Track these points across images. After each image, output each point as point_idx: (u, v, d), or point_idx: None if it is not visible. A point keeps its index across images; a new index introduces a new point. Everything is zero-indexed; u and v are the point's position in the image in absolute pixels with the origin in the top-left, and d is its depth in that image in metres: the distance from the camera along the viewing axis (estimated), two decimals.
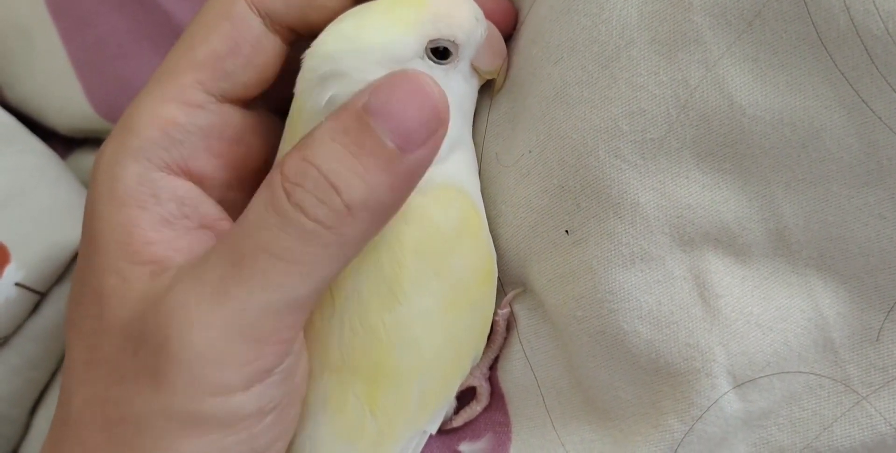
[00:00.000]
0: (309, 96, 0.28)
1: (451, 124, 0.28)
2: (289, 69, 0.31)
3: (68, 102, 0.47)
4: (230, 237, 0.26)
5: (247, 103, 0.31)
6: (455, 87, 0.30)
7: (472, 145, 0.32)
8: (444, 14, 0.29)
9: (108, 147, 0.29)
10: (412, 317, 0.28)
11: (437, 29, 0.29)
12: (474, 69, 0.31)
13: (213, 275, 0.26)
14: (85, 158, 0.49)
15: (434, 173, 0.28)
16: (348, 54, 0.28)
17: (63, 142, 0.50)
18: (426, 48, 0.29)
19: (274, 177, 0.26)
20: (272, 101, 0.32)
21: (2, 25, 0.48)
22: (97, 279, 0.28)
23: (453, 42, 0.29)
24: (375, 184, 0.26)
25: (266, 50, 0.29)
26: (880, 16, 0.24)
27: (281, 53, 0.30)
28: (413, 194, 0.27)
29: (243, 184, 0.30)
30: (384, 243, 0.28)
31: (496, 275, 0.31)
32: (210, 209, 0.29)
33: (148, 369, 0.26)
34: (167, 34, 0.43)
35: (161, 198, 0.28)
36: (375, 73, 0.27)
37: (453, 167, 0.30)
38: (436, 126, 0.26)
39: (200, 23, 0.29)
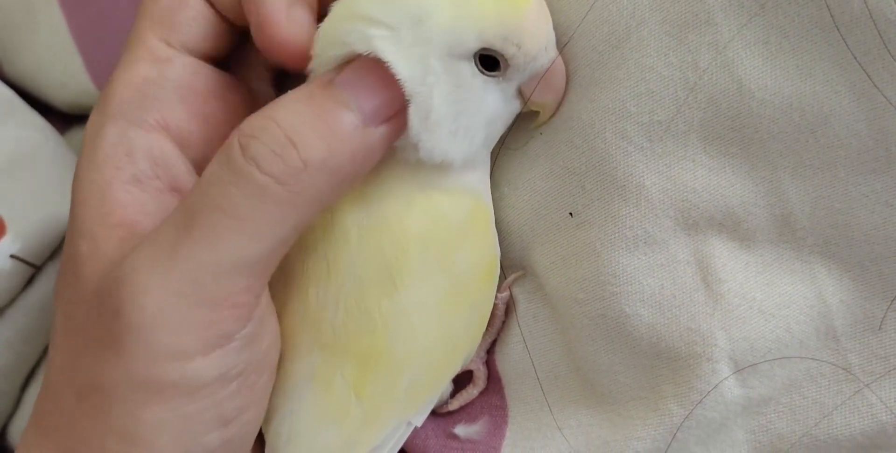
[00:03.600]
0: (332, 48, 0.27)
1: (473, 139, 0.28)
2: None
3: (69, 77, 0.47)
4: (186, 197, 0.26)
5: (222, 64, 0.30)
6: (489, 101, 0.28)
7: (489, 166, 0.31)
8: (522, 32, 0.27)
9: (92, 114, 0.29)
10: (409, 306, 0.28)
11: (503, 42, 0.27)
12: (521, 94, 0.29)
13: (165, 237, 0.25)
14: (82, 135, 0.48)
15: (451, 181, 0.28)
16: (405, 19, 0.26)
17: (61, 119, 0.50)
18: (477, 52, 0.27)
19: (232, 134, 0.26)
20: (255, 69, 0.32)
21: None
22: (75, 244, 0.28)
23: (506, 60, 0.27)
24: (336, 149, 0.25)
25: (215, 3, 0.29)
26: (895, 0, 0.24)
27: (233, 9, 0.29)
28: (425, 190, 0.28)
29: (223, 141, 0.30)
30: (388, 228, 0.28)
31: (498, 274, 0.31)
32: (182, 171, 0.29)
33: (107, 337, 0.25)
34: None
35: (135, 156, 0.28)
36: (416, 53, 0.26)
37: (470, 179, 0.29)
38: (399, 106, 0.26)
39: None
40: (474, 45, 0.27)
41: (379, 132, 0.26)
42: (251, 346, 0.26)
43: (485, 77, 0.27)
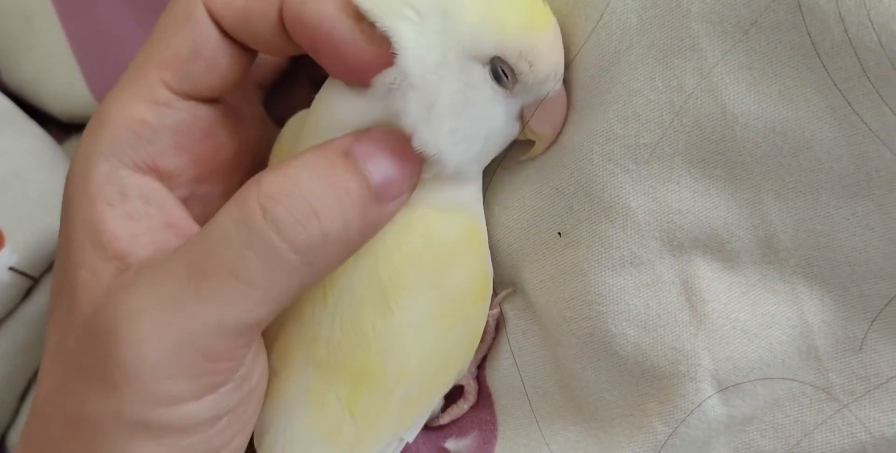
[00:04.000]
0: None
1: (470, 145, 0.28)
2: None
3: (68, 88, 0.47)
4: (192, 247, 0.26)
5: (215, 99, 0.30)
6: (494, 111, 0.28)
7: (481, 184, 0.31)
8: (537, 51, 0.27)
9: (82, 144, 0.29)
10: (403, 326, 0.28)
11: (518, 56, 0.27)
12: (521, 118, 0.29)
13: (169, 286, 0.25)
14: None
15: (444, 198, 0.29)
16: (435, 9, 0.26)
17: (59, 128, 0.50)
18: (493, 59, 0.27)
19: (248, 191, 0.25)
20: (244, 90, 0.32)
21: (3, 9, 0.48)
22: (72, 272, 0.28)
23: (516, 76, 0.28)
24: (350, 222, 0.26)
25: (227, 55, 0.28)
26: (874, 29, 0.25)
27: (243, 59, 0.29)
28: (419, 208, 0.28)
29: (213, 176, 0.30)
30: (383, 248, 0.28)
31: (491, 292, 0.31)
32: (174, 208, 0.29)
33: (100, 372, 0.26)
34: None
35: (127, 195, 0.28)
36: (437, 42, 0.26)
37: (463, 196, 0.30)
38: (412, 184, 0.27)
39: (163, 25, 0.29)
40: (491, 50, 0.27)
41: (388, 208, 0.27)
42: (243, 386, 0.27)
43: (494, 86, 0.28)
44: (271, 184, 0.25)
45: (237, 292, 0.25)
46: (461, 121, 0.27)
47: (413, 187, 0.27)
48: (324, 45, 0.27)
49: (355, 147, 0.26)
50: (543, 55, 0.28)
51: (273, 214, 0.25)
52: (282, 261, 0.25)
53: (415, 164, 0.27)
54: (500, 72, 0.28)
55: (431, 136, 0.27)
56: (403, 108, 0.26)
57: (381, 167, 0.26)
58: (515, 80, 0.28)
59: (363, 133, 0.27)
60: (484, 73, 0.27)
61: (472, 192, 0.30)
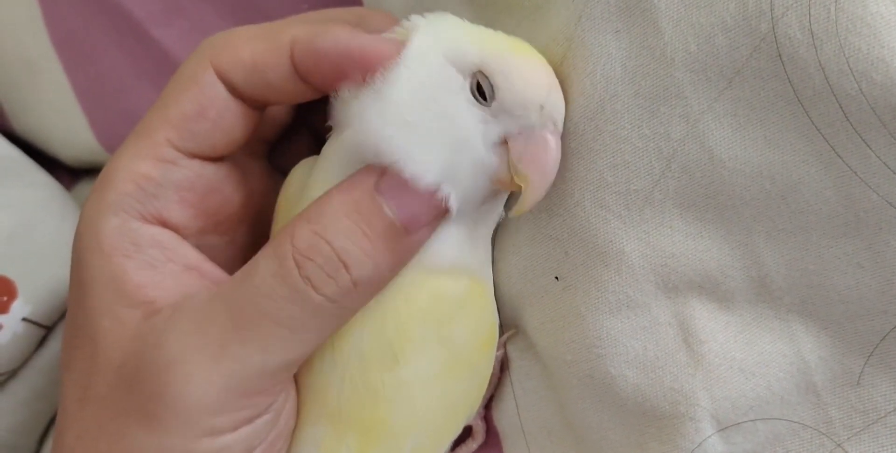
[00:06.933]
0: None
1: (432, 157, 0.27)
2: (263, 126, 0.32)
3: (73, 134, 0.48)
4: (233, 296, 0.27)
5: (220, 157, 0.31)
6: (460, 125, 0.28)
7: (488, 244, 0.32)
8: (518, 71, 0.28)
9: (89, 201, 0.30)
10: (411, 380, 0.29)
11: (496, 69, 0.28)
12: (506, 154, 0.28)
13: (214, 333, 0.27)
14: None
15: (446, 263, 0.29)
16: (434, 26, 0.29)
17: (69, 172, 0.51)
18: (474, 78, 0.28)
19: (283, 246, 0.27)
20: (249, 145, 0.33)
21: (7, 57, 0.49)
22: (90, 322, 0.29)
23: (493, 91, 0.28)
24: (380, 263, 0.27)
25: (233, 115, 0.30)
26: (854, 76, 0.25)
27: (249, 118, 0.30)
28: (422, 271, 0.29)
29: (218, 228, 0.31)
30: (390, 306, 0.29)
31: (497, 341, 0.32)
32: (190, 252, 0.30)
33: (143, 409, 0.27)
34: (166, 72, 0.44)
35: (142, 245, 0.29)
36: (427, 52, 0.28)
37: (467, 257, 0.30)
38: (440, 210, 0.28)
39: (172, 86, 0.30)
40: (473, 59, 0.28)
41: (418, 237, 0.28)
42: (275, 420, 0.29)
43: (470, 97, 0.28)
44: (303, 241, 0.27)
45: (280, 337, 0.27)
46: (419, 116, 0.27)
47: (441, 214, 0.28)
48: (345, 59, 0.28)
49: (381, 184, 0.27)
50: (525, 75, 0.28)
51: (306, 271, 0.27)
52: (319, 309, 0.27)
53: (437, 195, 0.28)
54: (480, 88, 0.28)
55: (382, 124, 0.27)
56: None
57: (406, 200, 0.27)
58: (493, 97, 0.28)
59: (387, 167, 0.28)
60: (462, 83, 0.28)
61: (479, 255, 0.31)
